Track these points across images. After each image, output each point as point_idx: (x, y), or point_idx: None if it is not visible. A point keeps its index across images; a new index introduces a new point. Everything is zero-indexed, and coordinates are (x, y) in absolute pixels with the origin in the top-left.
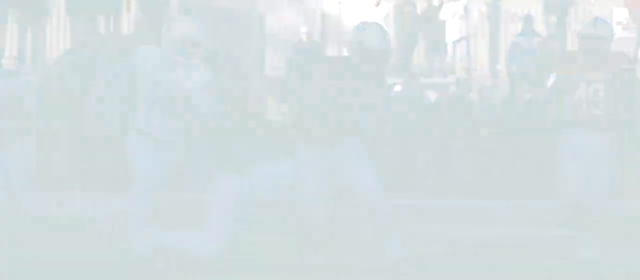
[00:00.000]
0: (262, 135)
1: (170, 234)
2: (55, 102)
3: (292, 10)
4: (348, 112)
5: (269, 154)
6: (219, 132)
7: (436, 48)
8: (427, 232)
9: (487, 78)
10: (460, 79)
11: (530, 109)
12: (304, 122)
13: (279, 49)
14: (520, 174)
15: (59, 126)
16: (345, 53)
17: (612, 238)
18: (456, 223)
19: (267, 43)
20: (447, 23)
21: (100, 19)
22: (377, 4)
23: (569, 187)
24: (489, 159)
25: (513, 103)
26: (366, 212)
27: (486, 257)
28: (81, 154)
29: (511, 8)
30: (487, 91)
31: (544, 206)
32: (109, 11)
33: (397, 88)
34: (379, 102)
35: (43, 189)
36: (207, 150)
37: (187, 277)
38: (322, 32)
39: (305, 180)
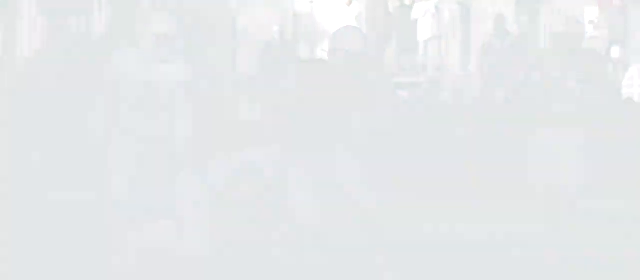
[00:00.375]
0: (234, 134)
1: (148, 233)
2: (27, 102)
3: (264, 9)
4: (328, 115)
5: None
6: (200, 128)
7: (408, 47)
8: (404, 232)
9: (459, 77)
10: (432, 78)
11: (502, 108)
12: (284, 124)
13: (251, 48)
14: (492, 173)
15: (31, 126)
16: (318, 52)
17: (584, 235)
18: (431, 223)
19: (238, 42)
20: (418, 22)
21: (71, 19)
22: (349, 3)
23: (542, 185)
24: (461, 159)
25: (485, 102)
26: (355, 214)
27: (461, 256)
28: (57, 155)
29: (483, 7)
30: (459, 90)
31: (517, 205)
32: (80, 11)
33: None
34: (359, 105)
35: (20, 190)
36: (192, 147)
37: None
38: (294, 31)
39: (294, 183)
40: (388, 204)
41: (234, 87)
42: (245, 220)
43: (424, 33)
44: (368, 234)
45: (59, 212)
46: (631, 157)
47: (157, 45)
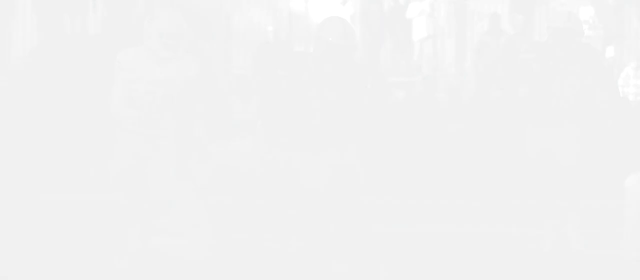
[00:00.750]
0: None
1: (159, 234)
2: (22, 102)
3: (259, 9)
4: (313, 109)
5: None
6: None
7: (403, 47)
8: (396, 232)
9: (454, 76)
10: (427, 78)
11: (497, 107)
12: (271, 119)
13: (246, 47)
14: (487, 171)
15: (27, 126)
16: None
17: (580, 234)
18: (426, 221)
19: (233, 41)
20: (413, 21)
21: (66, 18)
22: (344, 3)
23: (537, 183)
24: (456, 157)
25: (480, 101)
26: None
27: (457, 253)
28: (55, 155)
29: (478, 6)
30: (454, 90)
31: (511, 204)
32: (75, 11)
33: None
34: (342, 99)
35: (17, 190)
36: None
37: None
38: (289, 30)
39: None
40: (384, 201)
41: (229, 87)
42: (230, 211)
43: (418, 32)
44: (364, 231)
45: (58, 212)
46: (626, 156)
47: (166, 42)
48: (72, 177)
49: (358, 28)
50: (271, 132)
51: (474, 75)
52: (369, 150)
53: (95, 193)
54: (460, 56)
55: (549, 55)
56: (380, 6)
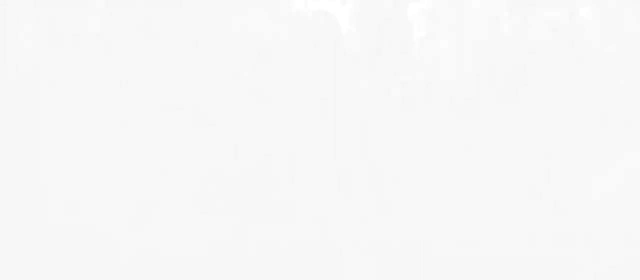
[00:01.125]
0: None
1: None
2: (21, 102)
3: (259, 10)
4: (305, 104)
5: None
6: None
7: (402, 46)
8: (393, 231)
9: (454, 76)
10: (426, 77)
11: (496, 107)
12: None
13: (246, 48)
14: (487, 170)
15: (27, 126)
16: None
17: (579, 233)
18: (426, 220)
19: (233, 43)
20: (413, 21)
21: (66, 19)
22: (344, 3)
23: (536, 181)
24: (456, 156)
25: (479, 101)
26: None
27: (459, 253)
28: (53, 156)
29: (477, 6)
30: (454, 89)
31: (511, 202)
32: (75, 11)
33: (364, 86)
34: (332, 91)
35: (17, 190)
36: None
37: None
38: (289, 32)
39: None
40: (382, 202)
41: (229, 88)
42: (221, 215)
43: (418, 32)
44: (362, 232)
45: (57, 212)
46: (626, 155)
47: (188, 39)
48: (73, 176)
49: (358, 28)
50: (270, 133)
51: (474, 75)
52: (371, 150)
53: (97, 192)
54: (460, 56)
55: (548, 55)
56: (379, 6)
